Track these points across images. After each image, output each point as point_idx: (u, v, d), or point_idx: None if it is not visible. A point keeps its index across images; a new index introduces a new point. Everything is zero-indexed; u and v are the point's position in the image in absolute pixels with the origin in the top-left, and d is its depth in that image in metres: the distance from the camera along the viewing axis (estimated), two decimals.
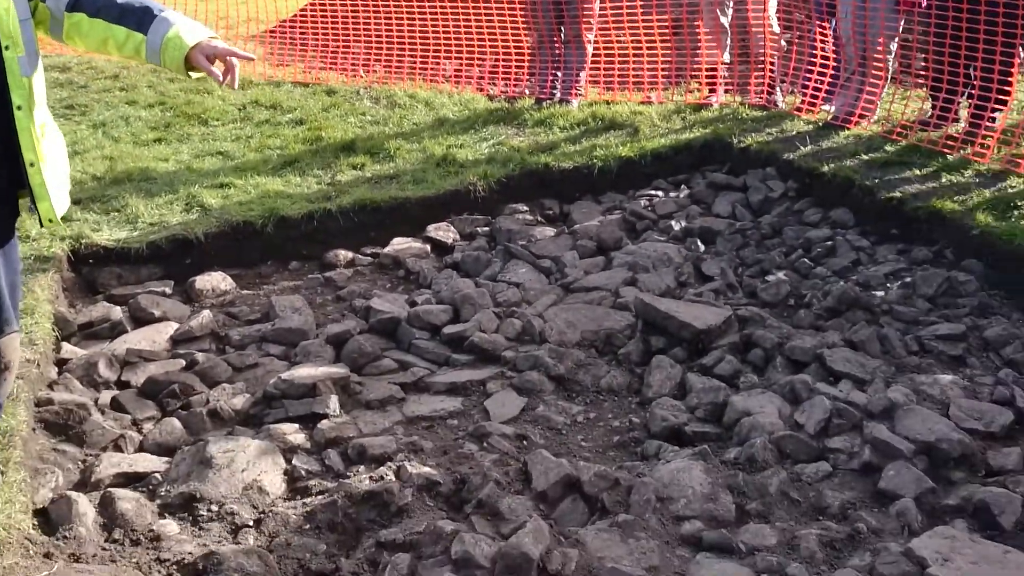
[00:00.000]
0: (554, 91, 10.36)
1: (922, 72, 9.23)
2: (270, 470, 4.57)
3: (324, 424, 5.02)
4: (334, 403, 5.22)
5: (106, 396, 5.44)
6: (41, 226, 3.87)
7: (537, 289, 6.88)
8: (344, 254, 7.59)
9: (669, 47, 10.30)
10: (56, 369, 5.65)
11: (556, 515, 4.31)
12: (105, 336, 6.18)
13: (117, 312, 6.32)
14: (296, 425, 5.04)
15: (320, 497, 4.37)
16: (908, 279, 6.39)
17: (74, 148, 8.88)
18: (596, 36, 10.38)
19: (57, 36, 3.78)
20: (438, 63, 11.39)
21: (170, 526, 4.18)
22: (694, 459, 4.68)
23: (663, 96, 10.28)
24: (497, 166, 8.63)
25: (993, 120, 8.05)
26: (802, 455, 4.77)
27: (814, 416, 4.96)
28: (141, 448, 5.00)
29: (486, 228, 8.06)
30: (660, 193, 8.66)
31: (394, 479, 4.43)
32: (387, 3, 11.72)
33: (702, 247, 7.59)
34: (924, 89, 8.95)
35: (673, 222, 8.04)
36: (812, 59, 9.51)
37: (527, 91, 10.67)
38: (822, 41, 9.44)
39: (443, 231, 7.95)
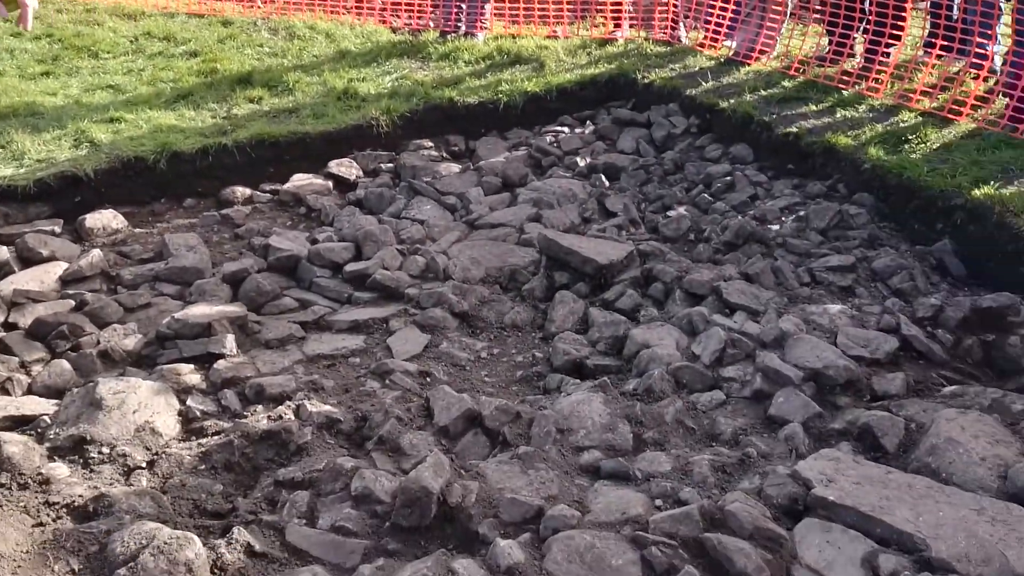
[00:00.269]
0: (459, 24, 10.18)
1: (819, 8, 9.36)
2: (163, 411, 4.47)
3: (220, 364, 4.93)
4: (230, 343, 5.12)
5: None
6: None
7: (441, 226, 6.83)
8: (242, 191, 7.39)
9: None
10: None
11: (458, 449, 4.34)
12: None
13: (3, 252, 6.04)
14: (191, 366, 4.93)
15: (216, 438, 4.30)
16: (802, 213, 6.54)
17: None
18: None
19: None
20: None
21: (59, 469, 4.06)
22: (594, 391, 4.74)
23: (569, 31, 10.21)
24: (400, 100, 8.48)
25: (887, 55, 8.23)
26: (698, 385, 4.89)
27: (710, 347, 5.07)
28: (29, 391, 4.84)
29: (390, 164, 7.94)
30: (566, 129, 8.66)
31: (293, 418, 4.39)
32: None
33: (606, 183, 7.64)
34: (821, 25, 9.09)
35: (578, 158, 8.07)
36: None
37: (431, 24, 10.46)
38: None
39: (345, 167, 7.80)
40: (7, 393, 4.76)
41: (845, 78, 8.18)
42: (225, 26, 10.42)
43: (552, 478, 4.01)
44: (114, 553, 3.43)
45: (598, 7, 10.25)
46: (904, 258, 5.89)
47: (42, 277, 5.91)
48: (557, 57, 9.51)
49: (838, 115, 7.61)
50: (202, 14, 10.89)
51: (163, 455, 4.21)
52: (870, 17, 8.29)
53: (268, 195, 7.44)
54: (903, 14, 8.17)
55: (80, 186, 6.89)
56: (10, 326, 5.41)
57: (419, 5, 10.67)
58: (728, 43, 9.41)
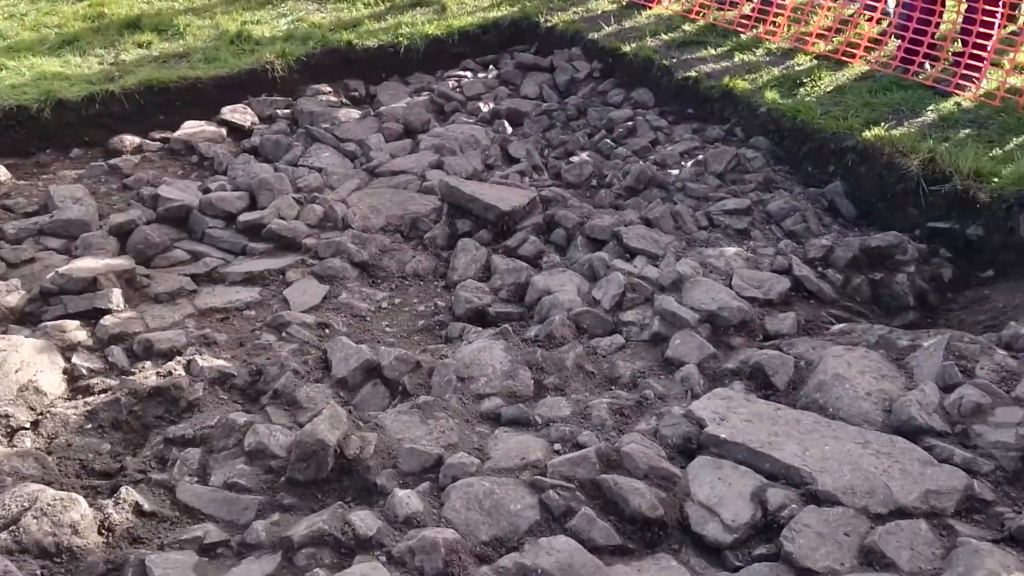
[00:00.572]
0: None
1: None
2: (47, 369, 4.29)
3: (107, 320, 4.75)
4: (118, 297, 4.93)
5: None
6: None
7: (340, 173, 6.68)
8: (131, 140, 7.11)
9: None
10: None
11: (356, 401, 4.29)
12: None
13: None
14: (76, 322, 4.75)
15: (103, 396, 4.16)
16: (701, 157, 6.60)
17: None
18: None
19: None
20: None
21: None
22: (495, 339, 4.74)
23: None
24: (296, 44, 8.22)
25: None
26: (598, 329, 4.92)
27: (610, 292, 5.10)
28: None
29: (286, 110, 7.73)
30: (468, 74, 8.54)
31: (184, 373, 4.26)
32: None
33: (509, 129, 7.58)
34: None
35: (481, 104, 7.98)
36: None
37: None
38: None
39: (239, 114, 7.56)
40: None
41: (744, 21, 8.24)
42: None
43: (452, 426, 4.00)
44: None
45: None
46: (798, 200, 6.00)
47: None
48: None
49: (736, 59, 7.67)
50: None
51: (48, 415, 4.05)
52: None
53: (158, 144, 7.17)
54: None
55: None
56: None
57: None
58: None
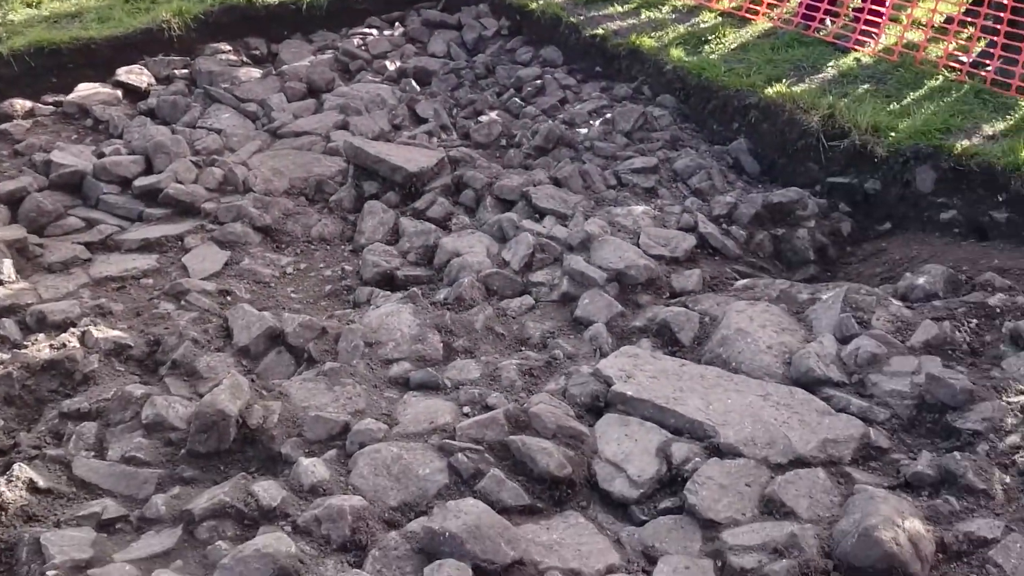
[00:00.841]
0: None
1: None
2: None
3: None
4: (8, 268, 4.72)
5: None
6: None
7: (241, 135, 6.50)
8: (21, 103, 6.75)
9: None
10: None
11: (260, 370, 4.20)
12: None
13: None
14: None
15: None
16: (609, 116, 6.60)
17: None
18: None
19: None
20: None
21: None
22: (403, 302, 4.68)
23: None
24: (194, 1, 7.90)
25: None
26: (508, 291, 4.91)
27: (519, 253, 5.09)
28: None
29: (184, 71, 7.45)
30: (374, 31, 8.35)
31: (78, 345, 4.11)
32: None
33: (417, 88, 7.45)
34: None
35: (387, 62, 7.83)
36: None
37: None
38: None
39: (135, 75, 7.25)
40: None
41: None
42: None
43: (359, 392, 3.95)
44: None
45: None
46: (703, 158, 6.06)
47: None
48: None
49: (643, 16, 7.67)
50: None
51: None
52: None
53: (51, 107, 6.83)
54: None
55: None
56: None
57: None
58: None
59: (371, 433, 3.61)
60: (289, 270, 5.19)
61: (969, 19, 6.84)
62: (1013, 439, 3.43)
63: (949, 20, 7.14)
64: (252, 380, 3.92)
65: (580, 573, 3.03)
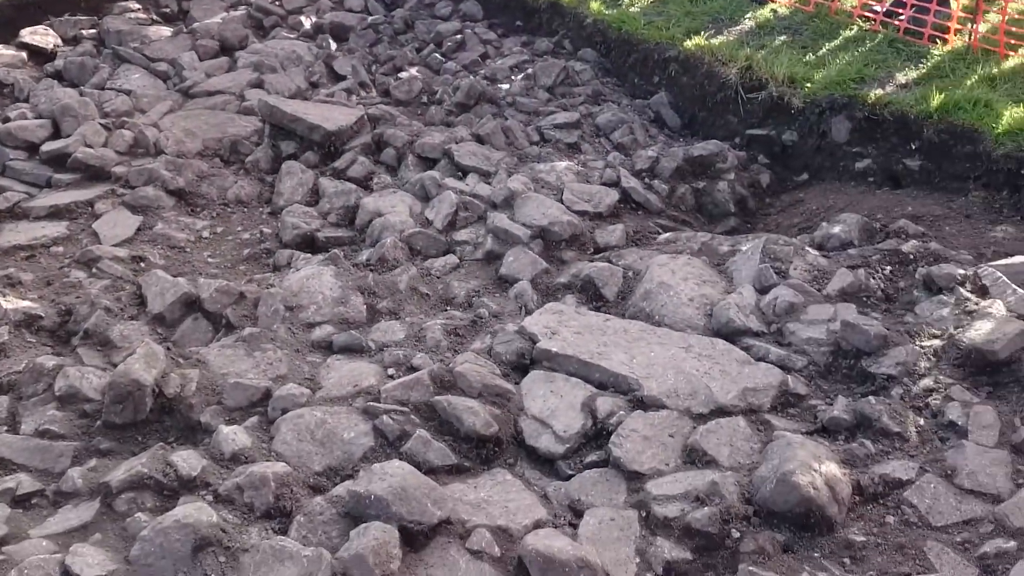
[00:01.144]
0: None
1: None
2: None
3: None
4: None
5: None
6: None
7: (152, 96, 6.28)
8: None
9: None
10: None
11: (176, 337, 4.09)
12: None
13: None
14: None
15: None
16: (530, 71, 6.55)
17: None
18: None
19: None
20: None
21: None
22: (325, 264, 4.60)
23: None
24: None
25: None
26: (431, 250, 4.86)
27: (442, 211, 5.04)
28: None
29: (92, 30, 7.20)
30: None
31: None
32: None
33: (334, 44, 7.30)
34: None
35: (303, 18, 7.64)
36: None
37: None
38: None
39: (40, 35, 6.98)
40: None
41: None
42: None
43: (281, 358, 3.88)
44: None
45: None
46: (625, 112, 6.06)
47: None
48: None
49: None
50: None
51: None
52: None
53: None
54: None
55: None
56: None
57: None
58: None
59: (294, 398, 3.55)
60: (205, 234, 5.05)
61: None
62: (926, 382, 3.53)
63: None
64: (168, 348, 3.82)
65: (507, 529, 3.03)
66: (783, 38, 6.25)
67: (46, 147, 5.46)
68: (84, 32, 7.16)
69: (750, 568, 2.82)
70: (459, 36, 7.18)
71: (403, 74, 6.79)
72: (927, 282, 4.04)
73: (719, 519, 2.99)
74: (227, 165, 5.65)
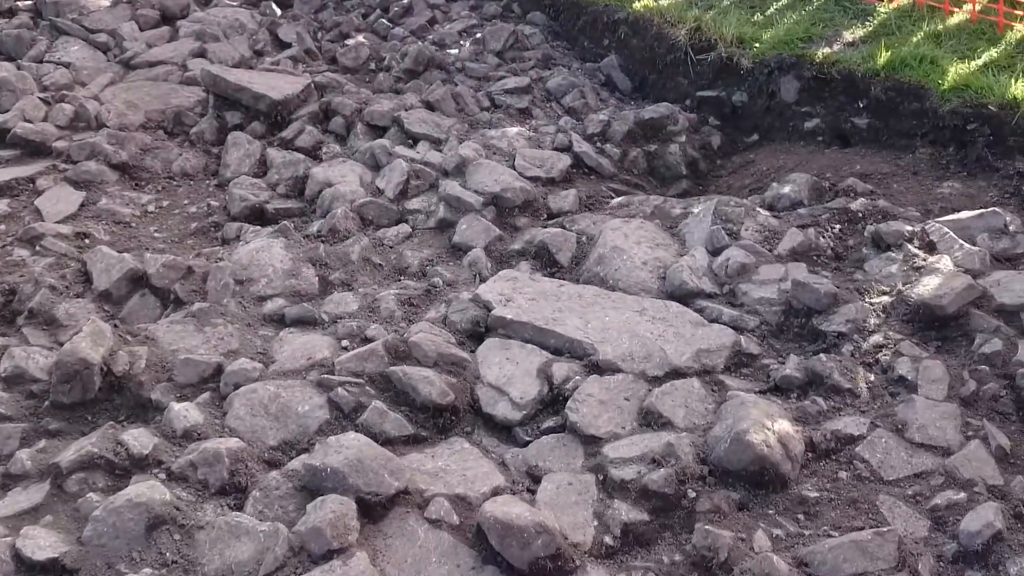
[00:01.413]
0: None
1: None
2: None
3: None
4: None
5: None
6: None
7: (91, 68, 6.12)
8: None
9: None
10: None
11: (123, 314, 4.02)
12: None
13: None
14: None
15: None
16: (479, 35, 6.48)
17: None
18: None
19: None
20: None
21: None
22: (274, 236, 4.54)
23: None
24: None
25: None
26: (383, 220, 4.82)
27: (393, 180, 4.99)
28: None
29: (28, 2, 6.99)
30: None
31: None
32: None
33: (278, 11, 7.16)
34: None
35: None
36: None
37: None
38: None
39: None
40: None
41: None
42: None
43: (232, 332, 3.83)
44: None
45: None
46: (576, 76, 6.03)
47: None
48: None
49: None
50: None
51: None
52: None
53: None
54: None
55: None
56: None
57: None
58: None
59: (246, 373, 3.51)
60: (151, 208, 4.96)
61: None
62: (876, 338, 3.58)
63: None
64: (115, 326, 3.75)
65: (465, 497, 3.04)
66: None
67: None
68: (20, 4, 6.98)
69: (706, 527, 2.85)
70: (406, 0, 7.07)
71: (350, 41, 6.68)
72: (876, 239, 4.08)
73: (675, 480, 3.01)
74: (171, 137, 5.54)
